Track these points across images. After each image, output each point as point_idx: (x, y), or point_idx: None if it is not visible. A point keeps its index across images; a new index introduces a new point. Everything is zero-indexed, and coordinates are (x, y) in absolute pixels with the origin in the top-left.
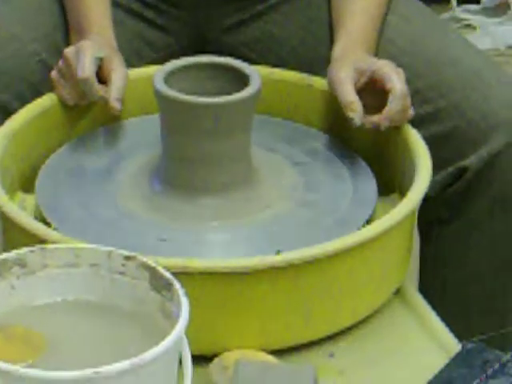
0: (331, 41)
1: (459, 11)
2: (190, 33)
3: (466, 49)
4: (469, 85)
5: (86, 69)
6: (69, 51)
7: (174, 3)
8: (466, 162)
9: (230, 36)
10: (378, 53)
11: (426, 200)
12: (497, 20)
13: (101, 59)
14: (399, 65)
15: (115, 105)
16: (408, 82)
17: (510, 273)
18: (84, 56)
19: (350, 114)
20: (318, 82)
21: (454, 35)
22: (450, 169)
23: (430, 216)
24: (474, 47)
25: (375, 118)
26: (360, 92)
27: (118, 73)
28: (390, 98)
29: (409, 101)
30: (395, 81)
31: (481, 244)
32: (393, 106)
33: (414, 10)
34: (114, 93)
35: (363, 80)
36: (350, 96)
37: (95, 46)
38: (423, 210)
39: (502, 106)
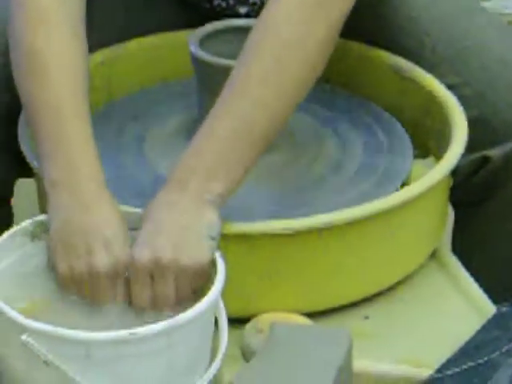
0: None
1: None
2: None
3: (493, 34)
4: (494, 73)
5: None
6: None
7: None
8: (490, 153)
9: None
10: None
11: (452, 186)
12: None
13: None
14: (421, 44)
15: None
16: (432, 65)
17: None
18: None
19: None
20: (357, 47)
21: (482, 18)
22: (474, 157)
23: (457, 199)
24: (504, 31)
25: None
26: None
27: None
28: None
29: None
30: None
31: (509, 231)
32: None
33: None
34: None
35: None
36: None
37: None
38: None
39: None
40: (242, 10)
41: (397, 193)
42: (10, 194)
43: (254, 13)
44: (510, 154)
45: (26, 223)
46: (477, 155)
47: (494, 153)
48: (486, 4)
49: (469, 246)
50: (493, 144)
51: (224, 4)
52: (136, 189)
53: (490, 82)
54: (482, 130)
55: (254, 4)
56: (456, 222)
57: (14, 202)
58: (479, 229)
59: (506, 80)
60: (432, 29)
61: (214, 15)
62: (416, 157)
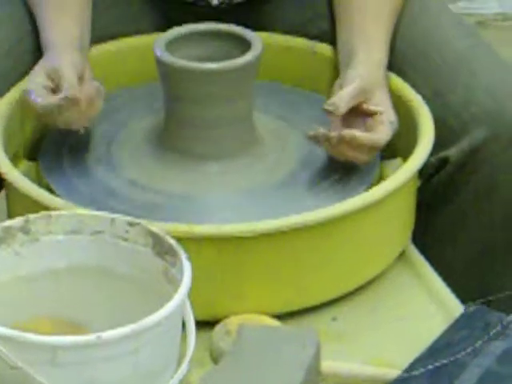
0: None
1: None
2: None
3: (455, 32)
4: (453, 72)
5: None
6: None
7: None
8: (448, 153)
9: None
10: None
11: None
12: None
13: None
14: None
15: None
16: (394, 65)
17: (495, 257)
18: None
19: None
20: (324, 49)
21: (446, 18)
22: (433, 158)
23: (418, 201)
24: (466, 29)
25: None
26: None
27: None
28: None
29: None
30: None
31: (468, 232)
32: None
33: None
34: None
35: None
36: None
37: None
38: None
39: (484, 96)
40: (214, 1)
41: (362, 194)
42: None
43: (225, 5)
44: (467, 155)
45: None
46: (437, 156)
47: (452, 153)
48: (454, 5)
49: (429, 248)
50: (451, 144)
51: None
52: (106, 191)
53: (447, 80)
54: (441, 129)
55: None
56: (417, 224)
57: None
58: (439, 231)
59: (462, 78)
60: (395, 29)
61: (188, 9)
62: (383, 158)
